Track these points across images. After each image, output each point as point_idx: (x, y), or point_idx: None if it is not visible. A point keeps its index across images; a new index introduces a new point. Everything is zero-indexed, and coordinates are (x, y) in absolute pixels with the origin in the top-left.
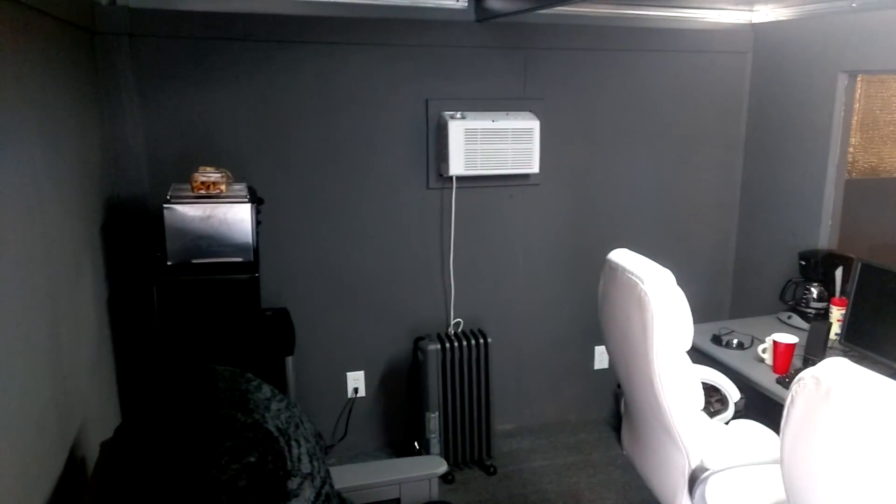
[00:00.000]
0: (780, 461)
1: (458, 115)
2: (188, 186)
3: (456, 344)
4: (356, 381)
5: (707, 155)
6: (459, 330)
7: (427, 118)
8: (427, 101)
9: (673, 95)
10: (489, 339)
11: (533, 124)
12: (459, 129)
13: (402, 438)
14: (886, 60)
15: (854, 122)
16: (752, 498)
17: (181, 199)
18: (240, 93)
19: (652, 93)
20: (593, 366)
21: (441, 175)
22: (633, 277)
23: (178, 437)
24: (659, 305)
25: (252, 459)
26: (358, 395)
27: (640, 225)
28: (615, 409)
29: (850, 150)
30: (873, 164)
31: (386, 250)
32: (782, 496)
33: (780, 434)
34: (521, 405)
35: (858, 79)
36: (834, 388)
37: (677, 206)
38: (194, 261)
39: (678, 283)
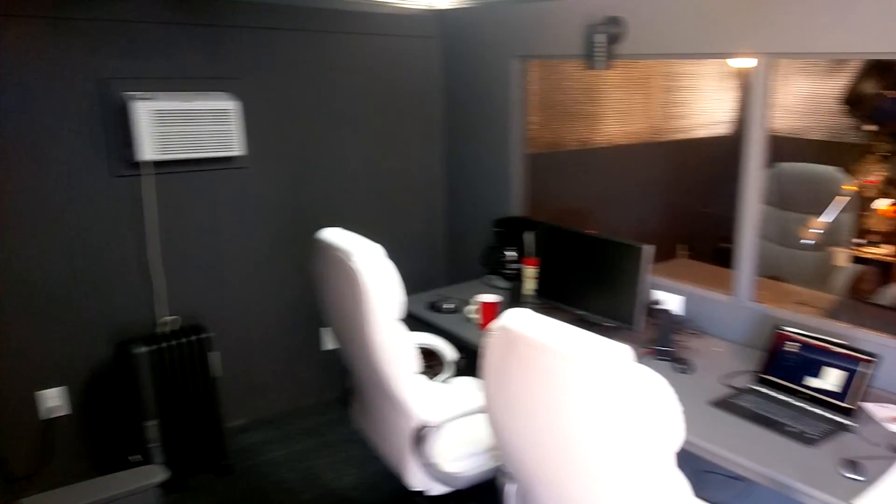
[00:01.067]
0: (485, 408)
1: (145, 95)
2: None
3: (169, 343)
4: (53, 399)
5: (413, 134)
6: (174, 328)
7: (106, 99)
8: (106, 80)
9: (373, 77)
10: (209, 334)
11: (230, 105)
12: (147, 111)
13: (119, 454)
14: (549, 47)
15: (534, 102)
16: (471, 445)
17: None
18: None
19: (353, 75)
20: (321, 347)
21: (130, 161)
22: (342, 254)
23: None
24: (368, 278)
25: None
26: (58, 414)
27: (355, 204)
28: (346, 387)
29: (535, 127)
30: (551, 139)
31: (75, 248)
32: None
33: (483, 383)
34: (252, 397)
35: (535, 63)
36: (515, 334)
37: (389, 184)
38: None
39: (394, 258)
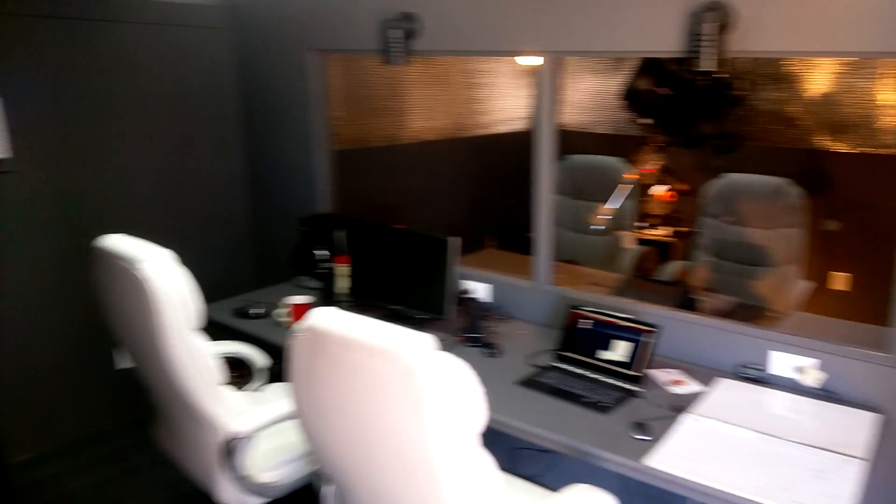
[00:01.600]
0: (296, 412)
1: None
2: None
3: None
4: None
5: (208, 133)
6: None
7: None
8: None
9: (158, 72)
10: None
11: None
12: None
13: None
14: (346, 41)
15: (338, 97)
16: (286, 453)
17: None
18: None
19: (134, 69)
20: (115, 366)
21: None
22: (126, 263)
23: None
24: (157, 287)
25: None
26: None
27: (145, 209)
28: (147, 406)
29: (340, 123)
30: (357, 135)
31: None
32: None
33: (291, 387)
34: (39, 427)
35: (337, 57)
36: (321, 333)
37: (183, 186)
38: None
39: (191, 263)
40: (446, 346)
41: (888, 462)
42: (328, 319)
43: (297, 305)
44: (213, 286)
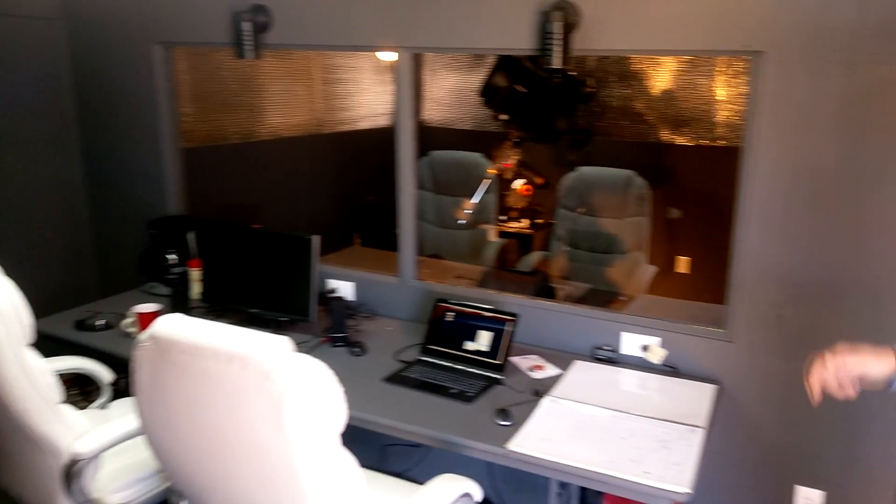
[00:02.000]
0: (142, 427)
1: None
2: None
3: None
4: None
5: (41, 131)
6: None
7: None
8: None
9: None
10: None
11: None
12: None
13: None
14: (195, 34)
15: (187, 93)
16: (136, 471)
17: None
18: None
19: None
20: None
21: None
22: None
23: None
24: None
25: None
26: None
27: None
28: None
29: (189, 120)
30: (209, 132)
31: None
32: None
33: (135, 401)
34: None
35: (184, 50)
36: (166, 341)
37: (7, 188)
38: None
39: (21, 274)
40: (310, 348)
41: (722, 427)
42: (173, 326)
43: (144, 314)
44: (51, 297)
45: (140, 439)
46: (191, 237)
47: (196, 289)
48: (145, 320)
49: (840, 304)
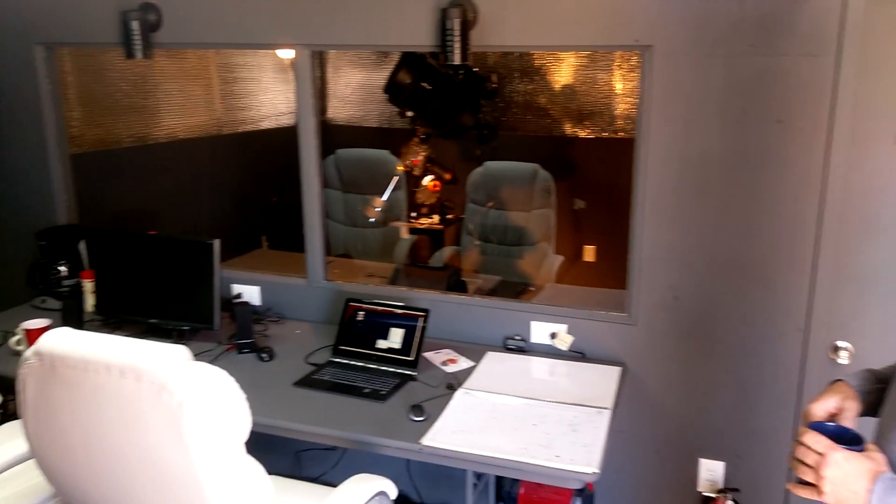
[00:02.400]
0: (31, 450)
1: None
2: None
3: None
4: None
5: None
6: None
7: None
8: None
9: None
10: None
11: None
12: None
13: None
14: (80, 33)
15: (73, 95)
16: (27, 497)
17: None
18: None
19: None
20: None
21: None
22: None
23: None
24: None
25: None
26: None
27: None
28: None
29: (77, 124)
30: (100, 135)
31: None
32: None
33: (23, 423)
34: None
35: (69, 51)
36: (53, 357)
37: None
38: None
39: None
40: (214, 357)
41: (628, 408)
42: (60, 341)
43: (32, 330)
44: None
45: (30, 463)
46: (82, 247)
47: (90, 301)
48: (34, 337)
49: (730, 284)
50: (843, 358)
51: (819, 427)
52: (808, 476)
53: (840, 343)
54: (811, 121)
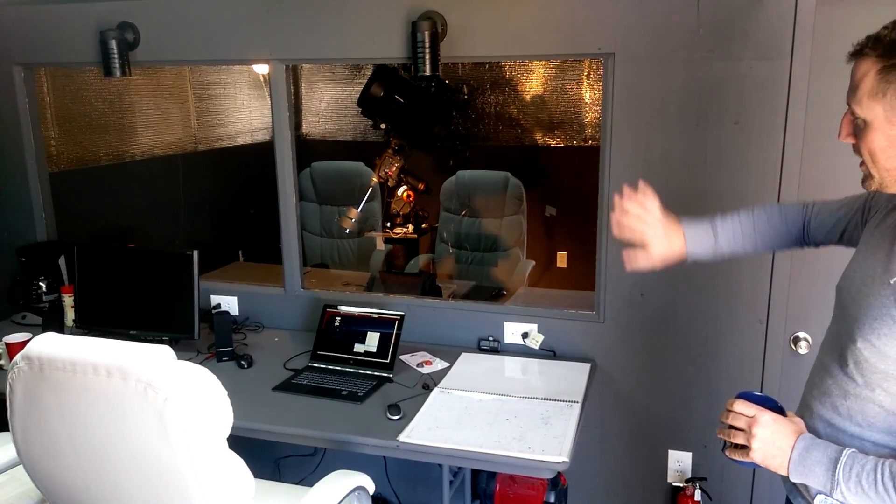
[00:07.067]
0: (19, 455)
1: None
2: None
3: None
4: None
5: None
6: None
7: None
8: None
9: None
10: None
11: None
12: None
13: None
14: (59, 53)
15: (51, 115)
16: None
17: None
18: None
19: None
20: None
21: None
22: None
23: None
24: None
25: None
26: None
27: None
28: None
29: (55, 142)
30: (78, 154)
31: None
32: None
33: (11, 428)
34: None
35: (44, 72)
36: (41, 360)
37: None
38: None
39: None
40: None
41: (598, 401)
42: (47, 345)
43: (13, 345)
44: None
45: (18, 470)
46: (62, 262)
47: (70, 315)
48: (15, 352)
49: (694, 280)
50: (803, 348)
51: (747, 396)
52: (740, 438)
53: (800, 334)
54: (768, 121)
